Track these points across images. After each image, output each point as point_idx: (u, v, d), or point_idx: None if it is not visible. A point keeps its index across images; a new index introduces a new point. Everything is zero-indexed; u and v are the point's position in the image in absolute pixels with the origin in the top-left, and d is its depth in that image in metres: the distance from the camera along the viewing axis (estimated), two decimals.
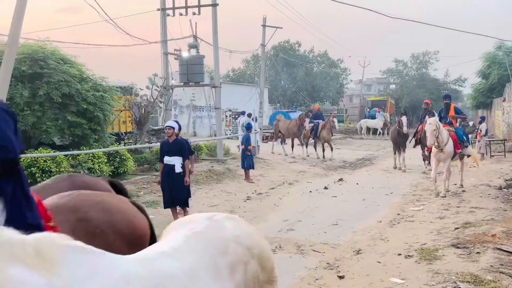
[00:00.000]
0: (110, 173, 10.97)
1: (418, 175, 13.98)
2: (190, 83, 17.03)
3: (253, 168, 13.89)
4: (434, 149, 10.24)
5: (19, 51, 9.99)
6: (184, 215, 7.64)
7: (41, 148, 10.41)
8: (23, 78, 10.59)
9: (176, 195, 8.21)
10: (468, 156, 11.43)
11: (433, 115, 13.05)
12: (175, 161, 8.03)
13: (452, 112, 11.14)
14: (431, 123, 9.90)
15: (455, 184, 11.49)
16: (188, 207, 8.47)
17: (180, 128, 8.38)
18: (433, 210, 8.94)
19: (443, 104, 11.50)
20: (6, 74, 8.54)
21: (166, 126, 8.39)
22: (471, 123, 22.23)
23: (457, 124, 11.27)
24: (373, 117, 35.54)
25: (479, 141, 18.48)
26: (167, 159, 8.06)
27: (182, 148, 8.10)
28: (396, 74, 54.24)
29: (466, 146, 10.90)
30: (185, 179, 8.12)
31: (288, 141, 20.10)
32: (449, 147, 10.17)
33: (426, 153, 11.40)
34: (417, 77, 50.94)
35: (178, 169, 8.03)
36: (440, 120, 10.69)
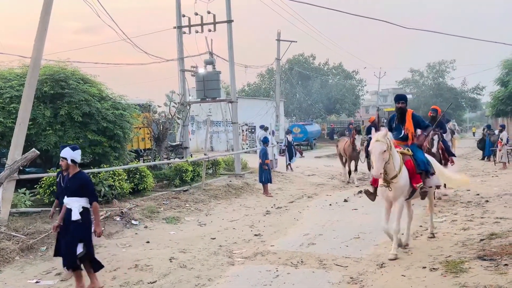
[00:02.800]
0: (131, 190, 11.08)
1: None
2: (207, 99, 17.18)
3: (271, 182, 13.88)
4: (381, 183, 6.79)
5: (41, 72, 10.23)
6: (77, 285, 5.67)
7: None
8: (45, 98, 10.82)
9: (65, 254, 5.61)
10: (443, 186, 8.18)
11: (441, 127, 11.33)
12: (73, 204, 5.60)
13: (409, 122, 7.40)
14: (379, 139, 6.42)
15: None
16: (80, 268, 5.69)
17: (78, 159, 5.74)
18: (456, 222, 8.77)
19: (396, 109, 7.69)
20: (29, 95, 8.78)
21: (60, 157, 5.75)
22: (497, 132, 21.84)
23: (416, 140, 7.51)
24: None
25: (500, 150, 18.15)
26: (65, 201, 5.66)
27: (84, 185, 5.66)
28: (413, 84, 53.98)
29: (432, 174, 7.28)
30: (96, 231, 5.66)
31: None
32: (401, 180, 6.66)
33: (371, 188, 7.37)
34: (433, 86, 50.62)
35: (75, 216, 5.55)
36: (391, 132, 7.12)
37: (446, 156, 11.20)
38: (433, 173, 7.28)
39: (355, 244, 7.64)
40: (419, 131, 7.77)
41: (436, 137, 10.65)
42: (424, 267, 6.07)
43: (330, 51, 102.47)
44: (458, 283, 5.30)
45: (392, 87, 64.73)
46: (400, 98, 7.59)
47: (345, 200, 12.03)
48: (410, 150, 7.09)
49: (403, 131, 7.38)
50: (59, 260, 7.02)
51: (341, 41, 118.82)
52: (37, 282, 6.17)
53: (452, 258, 6.32)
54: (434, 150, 10.62)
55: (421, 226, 8.67)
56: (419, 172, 6.94)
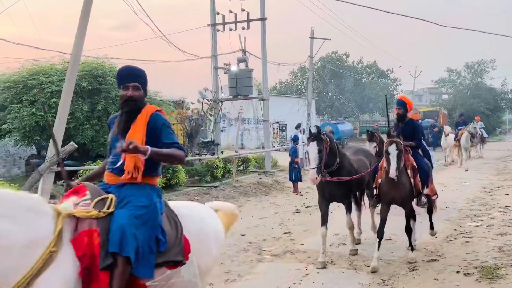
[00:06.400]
0: (163, 185, 11.29)
1: (476, 188, 13.35)
2: (239, 96, 17.30)
3: (301, 181, 13.82)
4: None
5: (80, 68, 10.55)
6: None
7: (98, 160, 10.89)
8: (83, 93, 11.17)
9: None
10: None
11: (416, 133, 6.92)
12: None
13: (136, 133, 3.18)
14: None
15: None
16: None
17: None
18: (493, 226, 8.51)
19: (120, 101, 3.41)
20: (68, 90, 9.07)
21: None
22: None
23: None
24: (426, 128, 34.64)
25: None
26: None
27: None
28: (449, 83, 52.45)
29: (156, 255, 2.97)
30: None
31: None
32: None
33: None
34: (471, 86, 48.97)
35: None
36: None
37: (418, 183, 6.49)
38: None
39: (386, 246, 7.51)
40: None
41: (394, 153, 5.83)
42: (458, 272, 5.92)
43: (364, 49, 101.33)
44: None
45: (427, 87, 63.21)
46: (129, 76, 3.38)
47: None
48: (113, 202, 2.98)
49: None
50: None
51: (376, 39, 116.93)
52: None
53: (488, 263, 6.14)
54: (392, 174, 5.83)
55: (455, 229, 8.46)
56: (106, 266, 2.75)
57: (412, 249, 6.70)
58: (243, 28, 16.70)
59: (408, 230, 6.70)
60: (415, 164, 6.41)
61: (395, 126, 6.97)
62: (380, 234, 6.46)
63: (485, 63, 49.70)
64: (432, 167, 9.66)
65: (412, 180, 6.31)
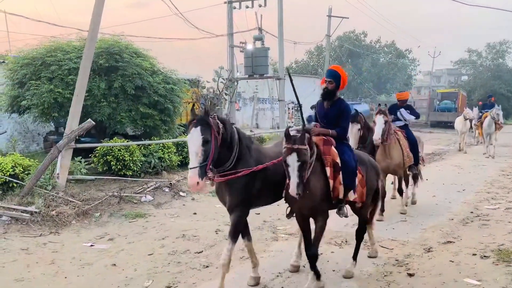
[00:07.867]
0: (179, 163, 11.37)
1: (494, 171, 13.17)
2: (255, 76, 17.20)
3: None
4: None
5: (97, 46, 10.55)
6: None
7: (115, 138, 10.99)
8: (100, 71, 11.18)
9: None
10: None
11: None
12: None
13: None
14: None
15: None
16: None
17: None
18: (511, 210, 8.40)
19: None
20: (86, 68, 9.12)
21: None
22: None
23: None
24: (443, 110, 34.16)
25: None
26: None
27: None
28: (469, 64, 51.31)
29: None
30: None
31: None
32: None
33: None
34: (492, 67, 47.81)
35: None
36: None
37: (338, 187, 4.72)
38: None
39: (401, 227, 7.50)
40: None
41: (294, 165, 4.22)
42: (474, 254, 5.89)
43: (382, 29, 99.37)
44: (510, 272, 5.12)
45: (446, 68, 61.98)
46: None
47: (392, 183, 11.77)
48: None
49: None
50: (112, 226, 7.40)
51: (395, 18, 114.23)
52: (91, 245, 6.52)
53: (505, 246, 6.09)
54: (292, 191, 4.25)
55: (472, 212, 8.38)
56: None
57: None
58: (260, 6, 16.49)
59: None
60: (338, 160, 4.65)
61: (319, 105, 5.26)
62: (307, 251, 4.87)
63: (508, 43, 48.43)
64: (421, 159, 9.05)
65: (331, 182, 4.59)
